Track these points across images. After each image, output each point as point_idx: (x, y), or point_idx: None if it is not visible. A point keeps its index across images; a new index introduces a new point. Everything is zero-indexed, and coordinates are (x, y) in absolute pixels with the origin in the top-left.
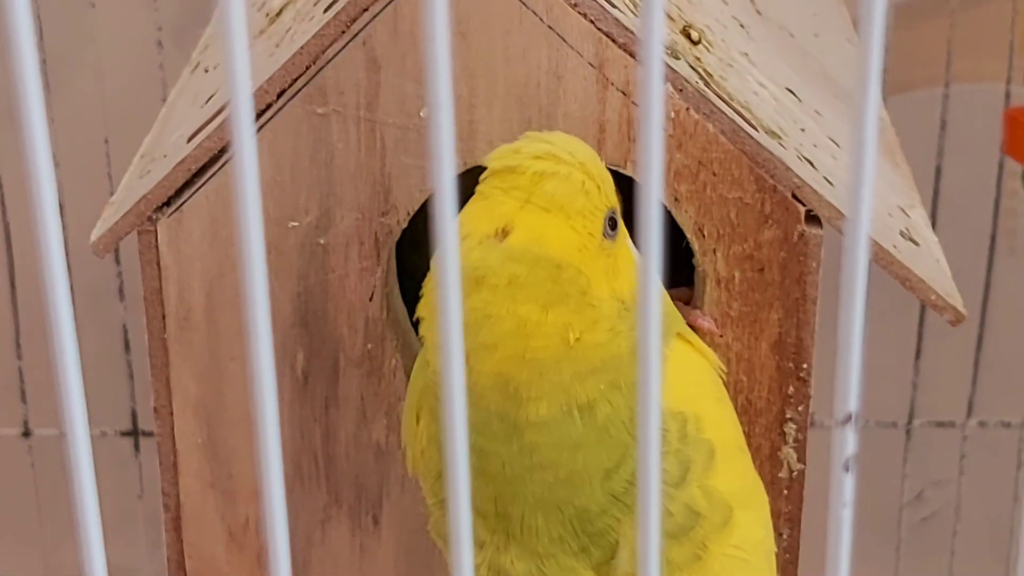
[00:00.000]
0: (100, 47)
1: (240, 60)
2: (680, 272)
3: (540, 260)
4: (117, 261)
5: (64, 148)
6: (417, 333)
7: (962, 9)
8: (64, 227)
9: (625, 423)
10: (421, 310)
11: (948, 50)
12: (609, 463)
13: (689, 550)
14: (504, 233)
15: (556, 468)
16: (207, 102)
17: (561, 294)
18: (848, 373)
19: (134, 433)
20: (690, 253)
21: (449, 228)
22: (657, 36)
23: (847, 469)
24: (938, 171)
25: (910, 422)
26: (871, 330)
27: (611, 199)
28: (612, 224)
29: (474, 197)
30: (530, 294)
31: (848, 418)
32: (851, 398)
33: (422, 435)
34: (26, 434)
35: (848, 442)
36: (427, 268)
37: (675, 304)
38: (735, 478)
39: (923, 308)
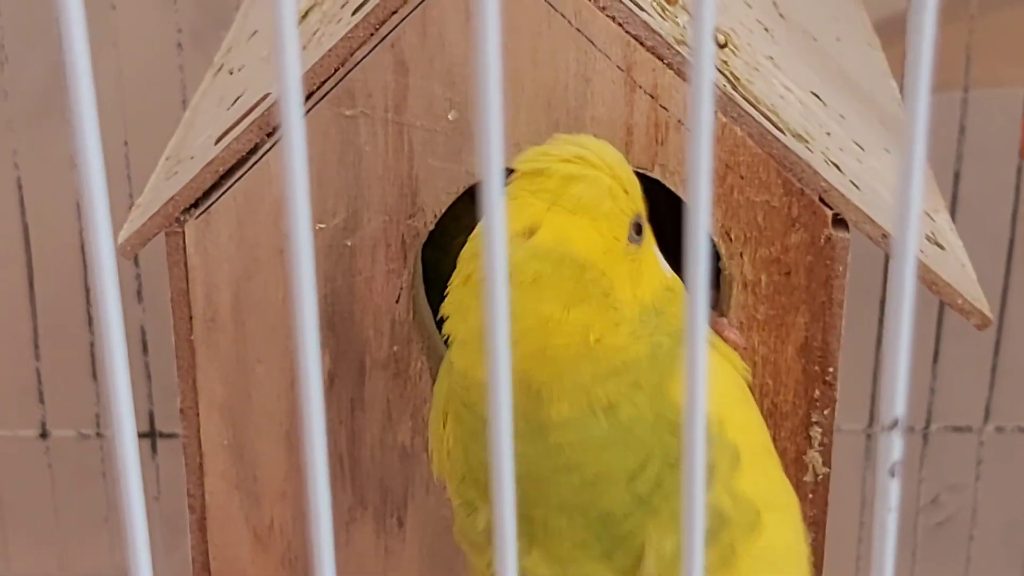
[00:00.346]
0: (120, 49)
1: (290, 49)
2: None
3: (564, 259)
4: (136, 263)
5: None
6: (442, 334)
7: (981, 14)
8: (82, 230)
9: (649, 423)
10: (446, 308)
11: (967, 55)
12: (634, 464)
13: (717, 553)
14: (530, 232)
15: (581, 469)
16: (233, 104)
17: (584, 294)
18: (895, 378)
19: (151, 435)
20: (716, 256)
21: (496, 227)
22: (707, 62)
23: (893, 474)
24: (956, 176)
25: (927, 426)
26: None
27: (638, 204)
28: (637, 229)
29: (506, 196)
30: (553, 293)
31: (894, 423)
32: (898, 403)
33: (448, 437)
34: (43, 435)
35: (894, 447)
36: (452, 270)
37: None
38: (762, 480)
39: (941, 312)
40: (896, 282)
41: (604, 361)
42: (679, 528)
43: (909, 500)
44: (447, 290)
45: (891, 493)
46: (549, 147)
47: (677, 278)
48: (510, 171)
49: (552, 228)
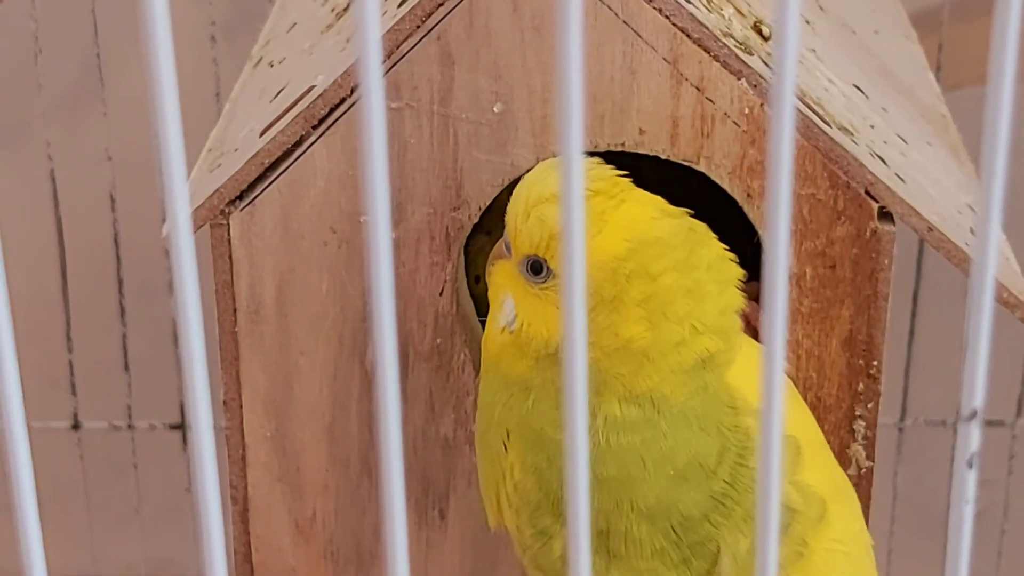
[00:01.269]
0: None
1: (372, 24)
2: (751, 268)
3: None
4: (167, 255)
5: (117, 142)
6: (477, 375)
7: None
8: (115, 221)
9: (716, 406)
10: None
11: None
12: (714, 455)
13: (790, 548)
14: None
15: (673, 459)
16: (276, 96)
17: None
18: (975, 370)
19: (182, 426)
20: (760, 249)
21: (576, 227)
22: (790, 81)
23: (971, 465)
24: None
25: (959, 420)
26: (922, 327)
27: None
28: None
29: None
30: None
31: (973, 414)
32: (977, 395)
33: (512, 468)
34: (75, 427)
35: (972, 438)
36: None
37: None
38: (823, 473)
39: None
40: (976, 276)
41: (673, 356)
42: (752, 528)
43: (940, 494)
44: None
45: (969, 484)
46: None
47: None
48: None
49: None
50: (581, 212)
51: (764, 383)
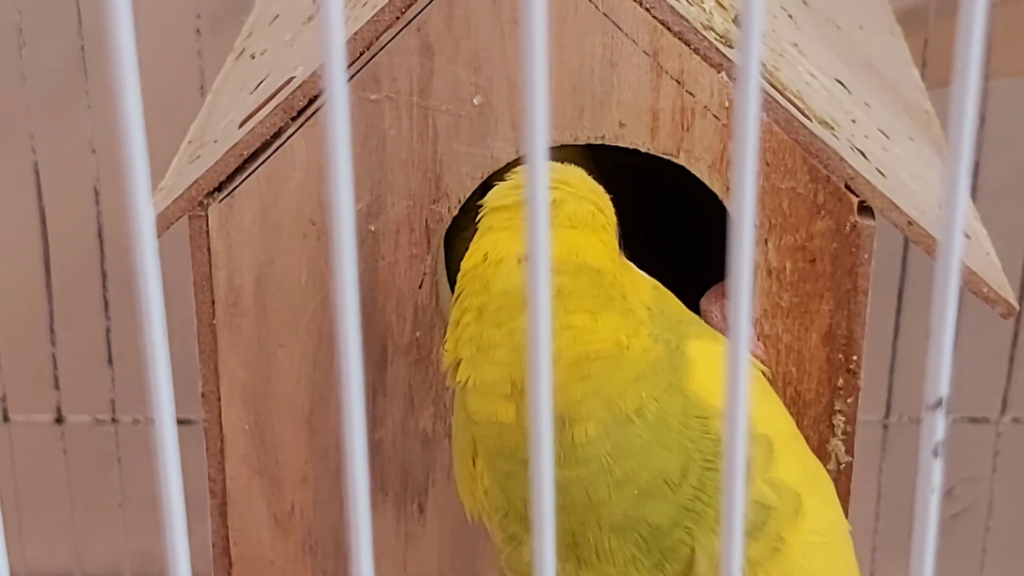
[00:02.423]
0: (138, 34)
1: (335, 21)
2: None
3: (581, 268)
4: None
5: (101, 135)
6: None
7: (1001, 3)
8: (99, 214)
9: (680, 422)
10: (461, 346)
11: (987, 44)
12: (678, 469)
13: (766, 544)
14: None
15: (636, 479)
16: (256, 88)
17: (606, 299)
18: (939, 358)
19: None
20: None
21: (541, 230)
22: (755, 61)
23: (936, 454)
24: (976, 166)
25: (924, 409)
26: (907, 324)
27: (614, 218)
28: (619, 242)
29: (486, 231)
30: (579, 303)
31: (938, 403)
32: (942, 383)
33: (482, 476)
34: (59, 420)
35: (937, 427)
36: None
37: (725, 299)
38: (796, 465)
39: (960, 302)
40: (942, 262)
41: (634, 366)
42: None
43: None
44: (452, 328)
45: (934, 473)
46: (518, 180)
47: (655, 280)
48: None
49: (559, 243)
50: (546, 214)
51: (728, 371)
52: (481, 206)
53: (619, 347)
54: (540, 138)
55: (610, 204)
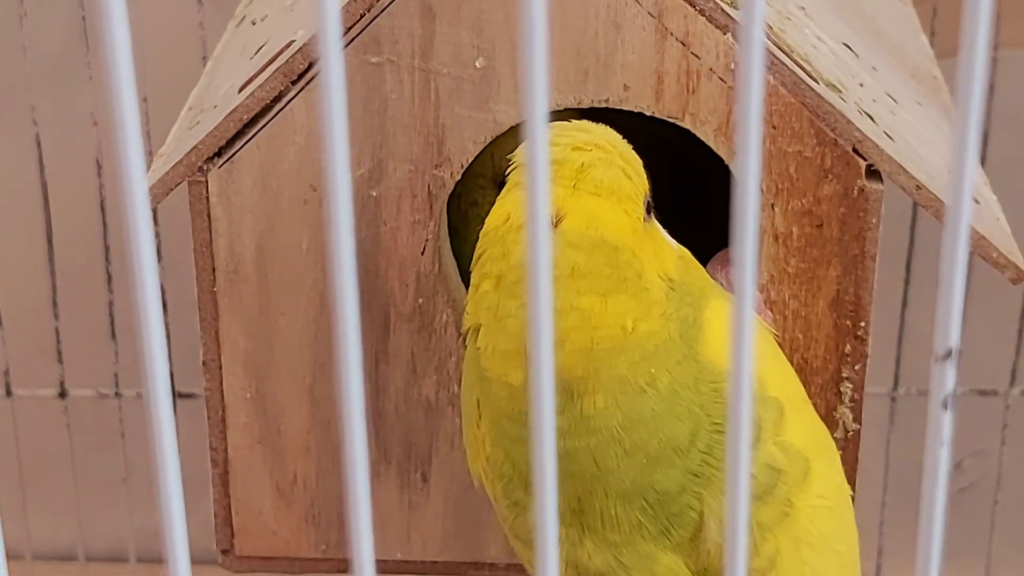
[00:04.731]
0: (140, 5)
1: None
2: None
3: (598, 244)
4: (155, 221)
5: (103, 107)
6: (460, 335)
7: None
8: (101, 187)
9: (691, 390)
10: (477, 314)
11: (997, 13)
12: (687, 436)
13: (776, 508)
14: (557, 219)
15: (645, 448)
16: (256, 53)
17: (619, 279)
18: (949, 308)
19: (171, 394)
20: None
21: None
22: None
23: (945, 407)
24: (985, 136)
25: (933, 360)
26: (915, 296)
27: (645, 183)
28: (647, 208)
29: (513, 187)
30: (591, 284)
31: (948, 354)
32: (952, 334)
33: (483, 440)
34: (62, 395)
35: (948, 378)
36: (475, 222)
37: (730, 266)
38: (805, 430)
39: (968, 274)
40: (952, 210)
41: (638, 349)
42: None
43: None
44: (472, 292)
45: (944, 425)
46: (555, 136)
47: (683, 248)
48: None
49: (579, 212)
50: (546, 186)
51: (733, 337)
52: (482, 172)
53: (624, 332)
54: (540, 103)
55: (641, 170)
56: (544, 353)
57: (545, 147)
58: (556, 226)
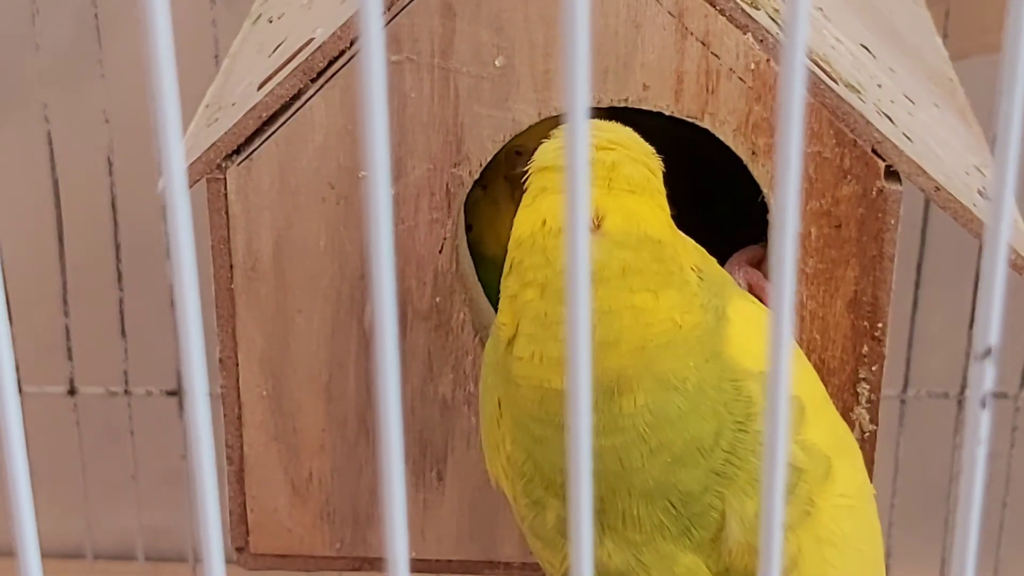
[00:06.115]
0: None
1: None
2: (756, 228)
3: (643, 241)
4: (164, 219)
5: (114, 105)
6: (476, 334)
7: None
8: (112, 184)
9: (715, 384)
10: (516, 323)
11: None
12: (711, 435)
13: (798, 508)
14: (598, 221)
15: (671, 447)
16: (275, 51)
17: (667, 274)
18: (990, 307)
19: (179, 392)
20: (765, 209)
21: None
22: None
23: (983, 405)
24: (995, 139)
25: (962, 392)
26: (926, 298)
27: (662, 179)
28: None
29: (540, 192)
30: (642, 281)
31: (988, 352)
32: (992, 332)
33: (504, 439)
34: (71, 392)
35: (986, 377)
36: (491, 219)
37: (748, 267)
38: (827, 429)
39: (978, 276)
40: (993, 208)
41: (684, 343)
42: (758, 489)
43: (943, 467)
44: (511, 300)
45: (982, 424)
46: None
47: (696, 243)
48: (555, 120)
49: (620, 211)
50: (587, 182)
51: (771, 348)
52: (505, 172)
53: (675, 327)
54: (581, 100)
55: (660, 166)
56: (582, 356)
57: (585, 151)
58: (598, 227)
